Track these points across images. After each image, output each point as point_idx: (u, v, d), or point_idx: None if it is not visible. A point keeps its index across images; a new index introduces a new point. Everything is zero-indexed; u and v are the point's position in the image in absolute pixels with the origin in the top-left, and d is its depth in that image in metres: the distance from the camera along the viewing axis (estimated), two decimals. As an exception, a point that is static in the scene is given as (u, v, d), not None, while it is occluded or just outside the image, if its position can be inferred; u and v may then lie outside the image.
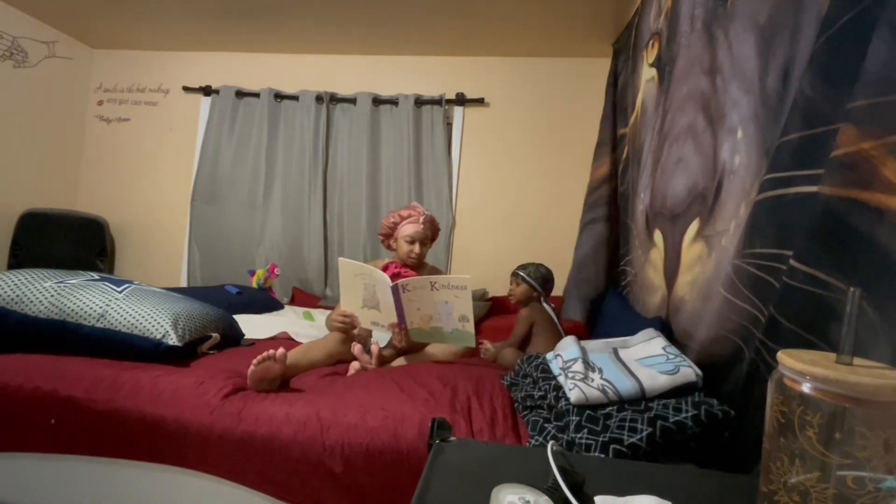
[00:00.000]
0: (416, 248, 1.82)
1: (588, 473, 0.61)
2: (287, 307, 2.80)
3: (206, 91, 3.30)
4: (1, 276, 1.43)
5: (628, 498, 0.56)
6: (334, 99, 3.18)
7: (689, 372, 0.99)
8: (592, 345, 1.22)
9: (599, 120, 2.68)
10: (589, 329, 2.29)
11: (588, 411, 0.98)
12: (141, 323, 1.41)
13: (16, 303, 1.39)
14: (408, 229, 1.83)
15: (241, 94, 3.23)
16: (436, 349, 1.71)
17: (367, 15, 2.68)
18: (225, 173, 3.24)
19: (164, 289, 1.81)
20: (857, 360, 0.48)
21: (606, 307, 2.12)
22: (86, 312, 1.40)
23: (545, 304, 2.05)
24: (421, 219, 1.84)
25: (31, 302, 1.39)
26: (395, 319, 1.56)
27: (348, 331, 1.66)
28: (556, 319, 2.01)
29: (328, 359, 1.61)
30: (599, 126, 2.66)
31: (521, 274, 2.05)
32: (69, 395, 1.19)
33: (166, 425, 1.14)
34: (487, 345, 1.90)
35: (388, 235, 1.92)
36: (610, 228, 2.45)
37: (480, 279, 2.92)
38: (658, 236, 1.60)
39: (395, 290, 1.51)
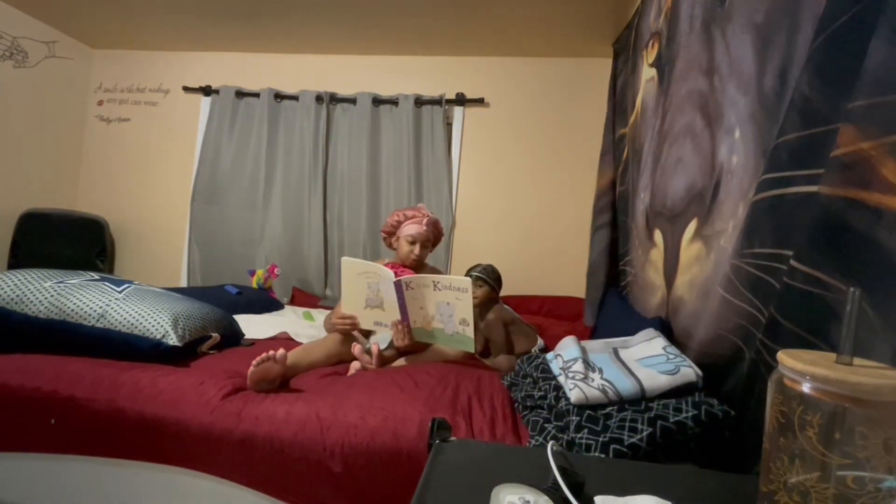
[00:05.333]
0: (416, 249, 1.82)
1: (588, 473, 0.61)
2: (287, 307, 2.80)
3: (206, 91, 3.30)
4: (1, 276, 1.43)
5: (628, 498, 0.57)
6: (334, 99, 3.18)
7: (689, 372, 0.99)
8: (592, 345, 1.22)
9: (603, 124, 2.68)
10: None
11: (588, 411, 0.98)
12: (141, 323, 1.41)
13: (16, 303, 1.39)
14: (410, 229, 1.83)
15: (241, 94, 3.23)
16: (435, 351, 1.70)
17: (368, 15, 2.68)
18: (225, 173, 3.23)
19: (164, 289, 1.81)
20: (857, 360, 0.48)
21: (606, 307, 2.12)
22: (86, 312, 1.40)
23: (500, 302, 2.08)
24: (424, 220, 1.84)
25: (31, 302, 1.39)
26: (398, 317, 1.56)
27: (350, 332, 1.66)
28: (515, 312, 2.05)
29: (328, 359, 1.61)
30: (603, 133, 2.66)
31: (482, 276, 2.05)
32: (69, 395, 1.19)
33: (166, 425, 1.14)
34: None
35: (391, 234, 1.91)
36: (611, 234, 2.48)
37: (480, 279, 2.92)
38: (658, 236, 1.60)
39: (398, 286, 1.51)
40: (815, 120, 0.77)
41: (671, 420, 0.90)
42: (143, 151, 3.42)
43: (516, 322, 2.04)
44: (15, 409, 1.21)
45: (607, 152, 2.61)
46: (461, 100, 3.09)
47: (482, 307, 2.06)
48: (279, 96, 3.20)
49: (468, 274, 2.07)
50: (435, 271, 1.96)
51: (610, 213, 2.49)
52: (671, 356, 1.07)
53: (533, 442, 1.04)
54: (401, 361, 1.65)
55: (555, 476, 0.57)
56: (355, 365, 1.60)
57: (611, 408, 0.98)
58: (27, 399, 1.20)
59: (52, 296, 1.41)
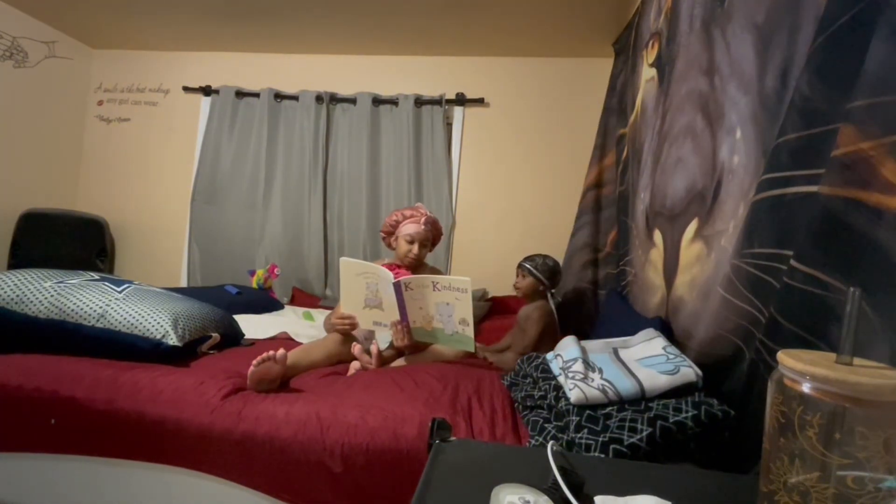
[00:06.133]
0: (415, 248, 1.82)
1: (588, 473, 0.61)
2: (287, 307, 2.80)
3: (206, 91, 3.30)
4: (1, 276, 1.43)
5: (628, 498, 0.57)
6: (334, 99, 3.18)
7: (689, 372, 0.99)
8: (592, 345, 1.22)
9: (598, 120, 2.71)
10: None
11: (588, 411, 0.98)
12: (141, 323, 1.41)
13: (16, 303, 1.39)
14: (408, 228, 1.83)
15: (241, 94, 3.23)
16: (435, 351, 1.71)
17: (368, 15, 2.68)
18: (225, 173, 3.23)
19: (164, 289, 1.81)
20: (857, 360, 0.48)
21: (606, 307, 2.12)
22: (86, 312, 1.40)
23: (550, 300, 2.02)
24: (422, 220, 1.84)
25: (31, 302, 1.39)
26: (397, 317, 1.56)
27: (349, 332, 1.66)
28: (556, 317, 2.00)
29: (328, 359, 1.61)
30: (597, 132, 2.70)
31: (528, 266, 2.00)
32: (69, 395, 1.19)
33: (166, 425, 1.14)
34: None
35: (390, 233, 1.92)
36: (591, 234, 2.52)
37: (480, 279, 2.92)
38: (658, 236, 1.60)
39: (397, 287, 1.51)
40: (815, 120, 0.77)
41: (671, 420, 0.90)
42: (143, 151, 3.42)
43: (553, 326, 1.96)
44: (15, 409, 1.21)
45: (594, 151, 2.65)
46: (461, 100, 3.09)
47: (526, 299, 2.00)
48: (279, 96, 3.20)
49: (522, 263, 2.04)
50: (434, 271, 1.96)
51: (589, 215, 2.55)
52: (671, 356, 1.07)
53: (533, 442, 1.03)
54: (400, 361, 1.65)
55: (555, 476, 0.57)
56: (355, 365, 1.60)
57: (610, 408, 0.98)
58: (27, 399, 1.20)
59: (52, 296, 1.41)
